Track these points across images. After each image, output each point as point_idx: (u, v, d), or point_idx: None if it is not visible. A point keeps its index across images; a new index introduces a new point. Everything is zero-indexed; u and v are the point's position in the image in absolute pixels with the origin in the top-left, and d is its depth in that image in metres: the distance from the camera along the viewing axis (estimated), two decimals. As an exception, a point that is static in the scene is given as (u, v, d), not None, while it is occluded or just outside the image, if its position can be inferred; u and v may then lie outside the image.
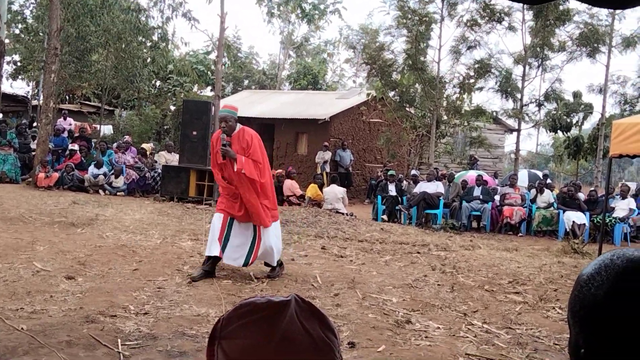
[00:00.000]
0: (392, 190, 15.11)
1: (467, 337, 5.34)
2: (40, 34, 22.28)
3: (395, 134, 19.94)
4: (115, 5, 20.91)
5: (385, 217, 14.53)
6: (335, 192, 14.71)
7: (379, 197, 15.06)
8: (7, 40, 20.46)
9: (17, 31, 26.00)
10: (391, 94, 19.56)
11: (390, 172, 16.04)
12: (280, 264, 7.21)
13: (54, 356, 4.07)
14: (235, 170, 6.57)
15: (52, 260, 7.01)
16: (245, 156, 6.61)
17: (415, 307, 6.19)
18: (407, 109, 19.56)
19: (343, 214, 13.98)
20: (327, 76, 41.83)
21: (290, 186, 15.56)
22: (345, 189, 15.55)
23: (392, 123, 20.59)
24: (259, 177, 6.64)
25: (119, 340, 4.50)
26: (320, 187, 15.90)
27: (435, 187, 14.51)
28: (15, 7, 27.11)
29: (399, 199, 14.93)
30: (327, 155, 19.92)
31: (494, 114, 20.13)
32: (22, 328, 4.55)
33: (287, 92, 31.23)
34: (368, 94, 20.87)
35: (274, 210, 7.01)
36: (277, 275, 7.10)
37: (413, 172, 16.51)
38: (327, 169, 19.60)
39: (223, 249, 6.67)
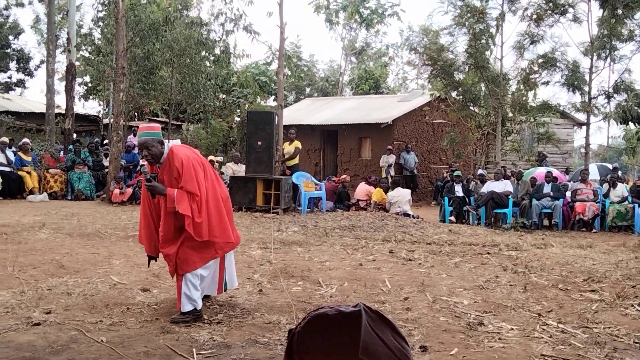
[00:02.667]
0: (459, 190, 14.93)
1: (542, 337, 5.24)
2: (109, 55, 23.06)
3: (459, 134, 19.70)
4: (178, 22, 21.49)
5: (452, 218, 14.36)
6: (402, 194, 14.66)
7: (446, 199, 14.90)
8: (77, 63, 21.31)
9: (86, 54, 27.03)
10: (454, 93, 19.34)
11: (456, 173, 15.86)
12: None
13: (133, 366, 4.22)
14: (166, 209, 5.37)
15: (127, 274, 7.23)
16: (179, 187, 5.36)
17: (487, 308, 6.10)
18: (471, 108, 19.30)
19: (410, 216, 13.90)
20: (389, 79, 41.75)
21: (367, 190, 15.58)
22: (410, 191, 15.46)
23: (456, 123, 20.35)
24: (195, 215, 5.38)
25: (194, 350, 4.61)
26: (386, 190, 15.87)
27: (503, 186, 14.26)
28: (84, 30, 28.24)
29: (467, 199, 14.74)
30: (392, 158, 19.85)
31: (561, 108, 19.63)
32: (102, 340, 4.72)
33: (349, 98, 31.31)
34: (431, 94, 20.70)
35: (227, 242, 5.80)
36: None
37: (480, 171, 16.26)
38: (392, 173, 19.53)
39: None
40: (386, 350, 1.04)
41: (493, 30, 17.73)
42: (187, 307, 5.37)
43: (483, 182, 15.13)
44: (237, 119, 25.32)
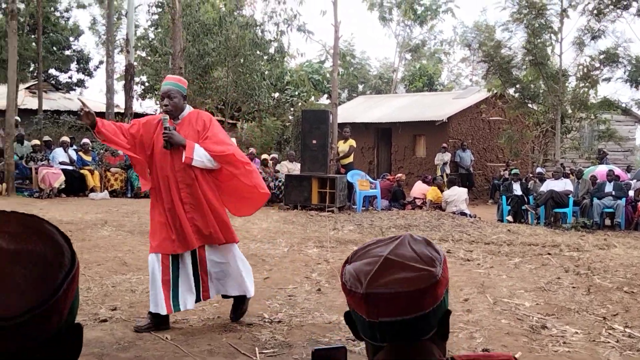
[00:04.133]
0: (517, 189, 14.68)
1: (609, 342, 5.10)
2: (164, 54, 23.50)
3: (517, 132, 19.36)
4: (232, 22, 21.74)
5: (510, 217, 14.13)
6: (459, 193, 14.51)
7: (504, 197, 14.66)
8: (135, 63, 21.77)
9: (143, 54, 27.59)
10: (511, 90, 19.02)
11: (514, 171, 15.59)
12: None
13: (198, 364, 4.28)
14: (183, 160, 4.68)
15: (188, 271, 7.34)
16: (202, 139, 4.77)
17: (550, 311, 5.98)
18: (530, 105, 18.94)
19: (467, 215, 13.74)
20: (443, 76, 41.34)
21: (423, 189, 15.49)
22: (466, 190, 15.27)
23: (513, 120, 20.01)
24: (241, 155, 4.91)
25: (257, 349, 4.66)
26: (441, 189, 15.72)
27: (563, 185, 13.97)
28: (139, 32, 28.83)
29: (525, 198, 14.47)
30: (447, 156, 19.66)
31: (623, 105, 19.09)
32: (166, 338, 4.81)
33: (403, 95, 31.12)
34: (489, 90, 20.39)
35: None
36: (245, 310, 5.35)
37: (538, 169, 15.96)
38: (447, 171, 19.34)
39: (174, 300, 4.91)
40: (413, 253, 1.22)
41: (554, 25, 17.37)
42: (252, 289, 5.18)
43: (542, 180, 14.84)
44: (291, 117, 25.47)
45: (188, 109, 4.90)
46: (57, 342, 0.94)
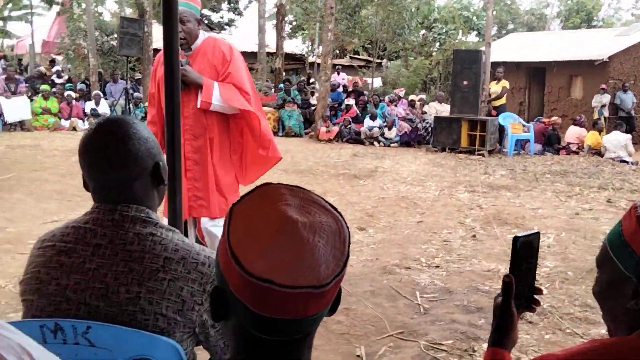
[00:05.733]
0: (686, 135, 13.60)
1: None
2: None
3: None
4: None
5: (678, 165, 13.14)
6: (618, 139, 13.66)
7: (670, 144, 13.65)
8: (284, 2, 22.09)
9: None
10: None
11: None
12: None
13: (362, 305, 4.45)
14: (199, 105, 3.87)
15: (343, 212, 7.40)
16: (220, 80, 3.92)
17: None
18: None
19: (628, 162, 12.96)
20: (602, 11, 38.47)
21: (579, 134, 14.78)
22: (629, 136, 14.32)
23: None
24: (256, 109, 4.01)
25: (417, 293, 4.76)
26: (600, 133, 14.88)
27: None
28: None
29: (695, 145, 13.38)
30: (606, 98, 18.45)
31: None
32: (331, 276, 5.02)
33: (558, 32, 29.41)
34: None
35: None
36: None
37: None
38: (606, 114, 18.19)
39: None
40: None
41: None
42: None
43: None
44: (439, 56, 24.87)
45: (202, 35, 4.01)
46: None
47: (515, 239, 1.39)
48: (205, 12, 35.92)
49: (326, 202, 1.08)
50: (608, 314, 1.34)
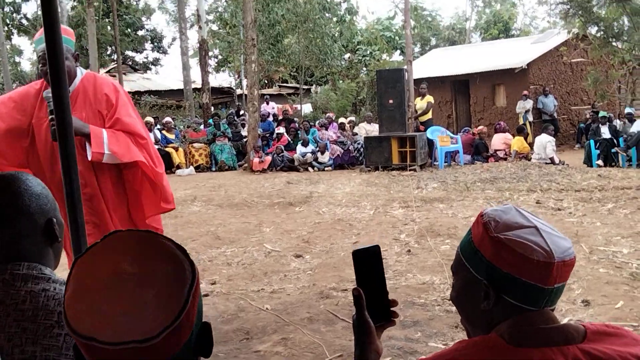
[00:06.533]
0: (605, 132, 14.12)
1: None
2: (235, 26, 23.71)
3: (602, 72, 18.54)
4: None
5: (600, 162, 13.63)
6: (541, 142, 14.10)
7: (592, 142, 14.15)
8: (207, 37, 22.10)
9: (214, 27, 27.91)
10: (594, 30, 18.17)
11: (602, 114, 14.99)
12: None
13: (299, 332, 4.42)
14: (89, 157, 3.29)
15: (279, 241, 7.53)
16: (107, 126, 3.39)
17: (649, 257, 5.81)
18: (614, 44, 18.07)
19: (556, 163, 13.37)
20: (518, 21, 39.90)
21: (504, 139, 15.18)
22: (552, 138, 14.78)
23: (597, 61, 19.17)
24: (151, 163, 3.54)
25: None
26: (525, 138, 15.31)
27: (655, 124, 13.34)
28: (208, 5, 29.15)
29: (614, 141, 13.91)
30: (529, 104, 19.07)
31: None
32: (266, 308, 4.98)
33: (479, 44, 30.30)
34: (569, 32, 19.55)
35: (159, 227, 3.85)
36: None
37: (627, 110, 15.27)
38: (530, 119, 18.79)
39: None
40: None
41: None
42: None
43: (631, 121, 14.22)
44: (365, 77, 25.29)
45: (80, 73, 3.45)
46: (190, 345, 1.01)
47: (354, 252, 1.43)
48: (129, 53, 35.65)
49: (173, 245, 1.04)
50: (465, 317, 1.40)
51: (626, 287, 5.02)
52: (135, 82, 27.25)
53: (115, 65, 25.02)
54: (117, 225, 3.45)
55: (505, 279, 1.25)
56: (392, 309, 1.44)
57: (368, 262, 1.42)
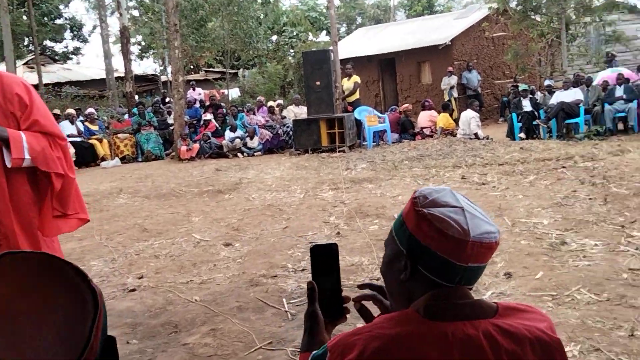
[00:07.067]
0: (526, 105, 14.50)
1: (629, 250, 5.14)
2: (157, 12, 23.19)
3: (522, 46, 19.02)
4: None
5: (522, 135, 14.01)
6: (467, 117, 14.39)
7: (514, 115, 14.51)
8: (128, 25, 21.53)
9: (136, 13, 27.22)
10: (513, 4, 18.62)
11: (522, 87, 15.39)
12: None
13: (229, 322, 4.39)
14: (10, 164, 3.04)
15: (208, 230, 7.45)
16: (23, 128, 3.11)
17: (568, 226, 6.01)
18: (533, 17, 18.56)
19: (480, 138, 13.67)
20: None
21: (429, 117, 15.41)
22: (475, 114, 15.11)
23: (517, 35, 19.66)
24: (65, 169, 3.26)
25: (284, 300, 4.75)
26: (451, 114, 15.59)
27: (573, 95, 13.78)
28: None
29: (535, 113, 14.31)
30: (453, 80, 19.43)
31: (630, 3, 18.63)
32: (195, 299, 4.92)
33: (403, 22, 30.56)
34: (489, 8, 19.97)
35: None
36: None
37: (547, 82, 15.72)
38: (455, 95, 19.16)
39: None
40: None
41: None
42: None
43: (551, 93, 14.66)
44: (292, 60, 25.19)
45: None
46: None
47: (312, 248, 1.48)
48: (48, 43, 34.42)
49: (73, 272, 0.96)
50: (389, 291, 1.44)
51: (545, 257, 5.18)
52: (55, 73, 26.36)
53: (33, 56, 24.11)
54: (23, 242, 3.10)
55: (422, 251, 1.29)
56: (344, 305, 1.49)
57: (324, 258, 1.48)
